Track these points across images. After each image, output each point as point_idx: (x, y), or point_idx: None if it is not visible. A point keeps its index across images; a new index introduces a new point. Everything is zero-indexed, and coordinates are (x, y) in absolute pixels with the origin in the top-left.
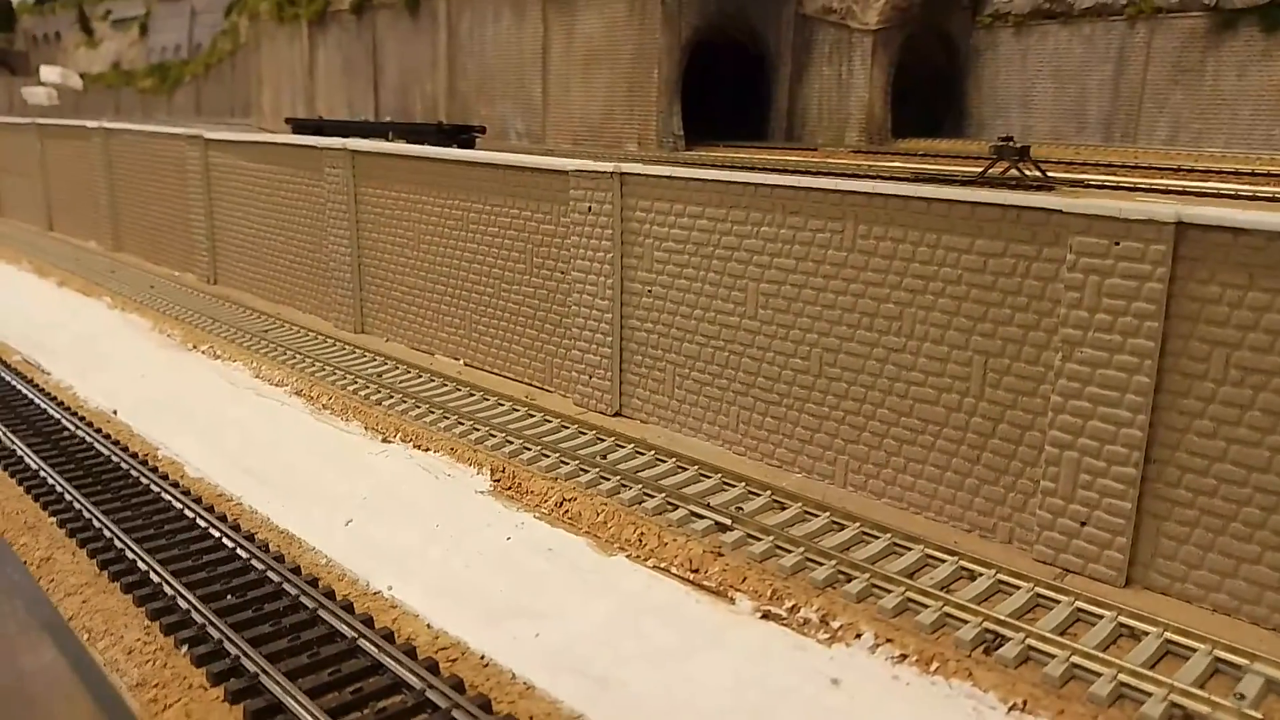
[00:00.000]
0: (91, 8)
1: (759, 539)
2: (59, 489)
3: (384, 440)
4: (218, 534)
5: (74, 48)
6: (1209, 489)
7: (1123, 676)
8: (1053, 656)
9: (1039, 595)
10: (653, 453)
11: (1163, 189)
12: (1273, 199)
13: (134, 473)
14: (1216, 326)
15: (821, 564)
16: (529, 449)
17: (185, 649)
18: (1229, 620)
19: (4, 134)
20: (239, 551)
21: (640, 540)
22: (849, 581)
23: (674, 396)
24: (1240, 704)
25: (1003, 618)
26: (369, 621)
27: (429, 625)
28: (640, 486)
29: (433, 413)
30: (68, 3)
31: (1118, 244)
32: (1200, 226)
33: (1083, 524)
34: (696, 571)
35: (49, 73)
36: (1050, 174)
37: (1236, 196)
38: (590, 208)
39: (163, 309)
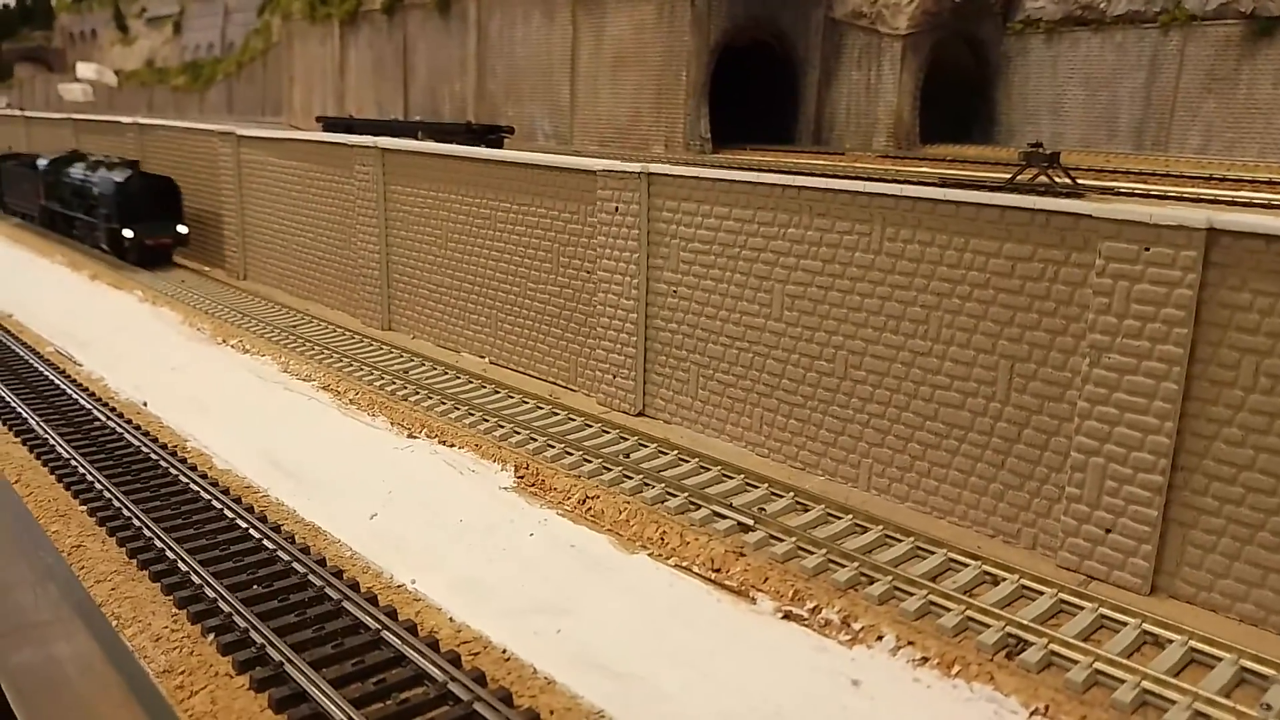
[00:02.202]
0: (127, 5)
1: (781, 540)
2: (90, 478)
3: (409, 436)
4: (244, 525)
5: (109, 45)
6: (1236, 498)
7: (1146, 684)
8: (1075, 662)
9: (1062, 601)
10: (675, 453)
11: (1194, 197)
12: None
13: (163, 463)
14: (1247, 334)
15: (844, 566)
16: (553, 446)
17: (212, 637)
18: (1256, 631)
19: (42, 128)
20: (265, 542)
21: (662, 539)
22: (871, 584)
23: (697, 397)
24: (1267, 714)
25: (1025, 622)
26: (393, 614)
27: (451, 619)
28: (663, 486)
29: (458, 409)
30: (105, 1)
31: (1148, 250)
32: (1232, 233)
33: (1108, 531)
34: (718, 571)
35: (85, 69)
36: (1080, 181)
37: (1269, 206)
38: (617, 208)
39: (193, 303)
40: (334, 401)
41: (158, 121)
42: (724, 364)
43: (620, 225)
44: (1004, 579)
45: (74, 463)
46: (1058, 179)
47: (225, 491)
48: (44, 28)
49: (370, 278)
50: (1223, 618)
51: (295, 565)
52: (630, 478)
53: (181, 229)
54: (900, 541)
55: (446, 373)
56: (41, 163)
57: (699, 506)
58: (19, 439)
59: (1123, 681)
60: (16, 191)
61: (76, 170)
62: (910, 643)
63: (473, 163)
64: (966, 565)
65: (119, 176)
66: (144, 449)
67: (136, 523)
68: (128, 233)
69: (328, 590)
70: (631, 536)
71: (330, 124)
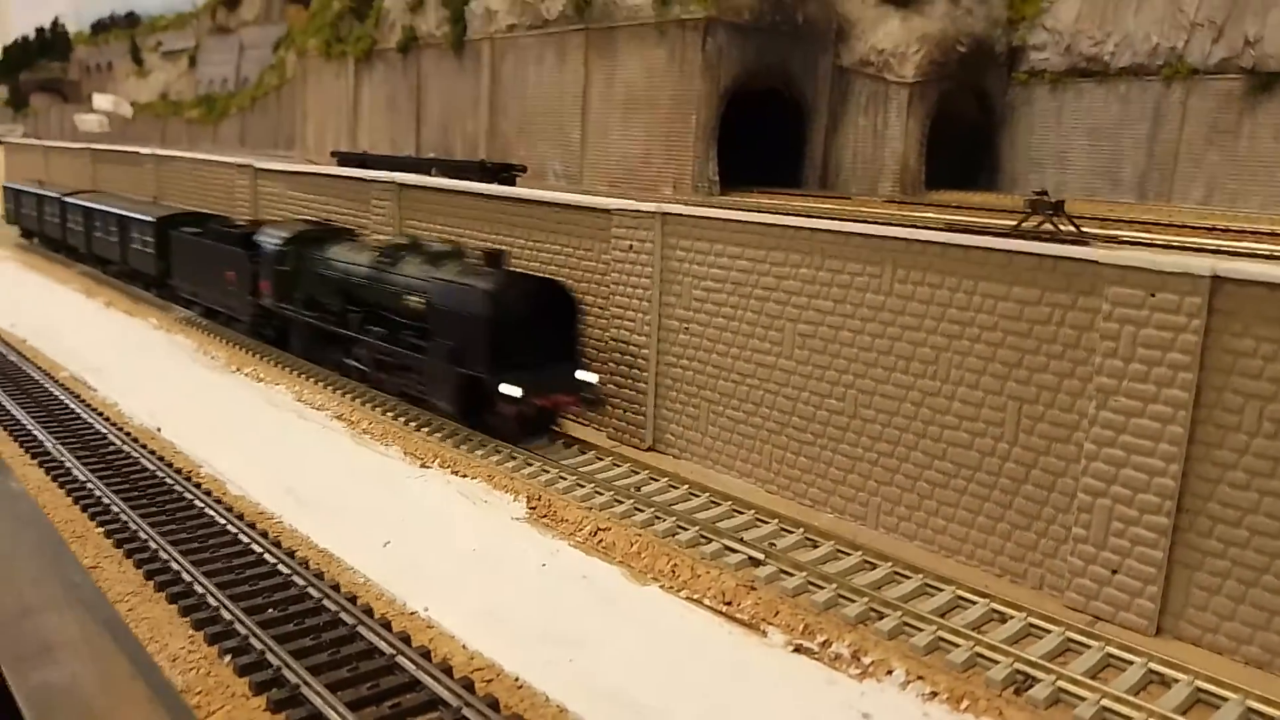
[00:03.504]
0: (143, 39)
1: (791, 574)
2: (105, 501)
3: (422, 465)
4: (259, 549)
5: (124, 77)
6: (1241, 540)
7: None
8: (1083, 699)
9: (1070, 639)
10: (686, 487)
11: (1197, 246)
12: None
13: (178, 488)
14: (1251, 379)
15: (854, 601)
16: (565, 478)
17: (229, 659)
18: (1262, 674)
19: (59, 157)
20: (280, 567)
21: (673, 571)
22: (881, 619)
23: (707, 433)
24: None
25: (1034, 659)
26: (406, 639)
27: (464, 646)
28: (674, 519)
29: (470, 440)
30: (121, 34)
31: (1153, 295)
32: (1236, 281)
33: (1114, 572)
34: (729, 604)
35: (101, 100)
36: (1084, 229)
37: (1272, 256)
38: (632, 245)
39: (207, 330)
40: (347, 430)
41: (175, 153)
42: (734, 401)
43: (634, 263)
44: (1012, 617)
45: (90, 486)
46: (1062, 226)
47: (240, 516)
48: (61, 59)
49: None
50: (1228, 660)
51: (310, 590)
52: (641, 510)
53: (588, 375)
54: (909, 578)
55: None
56: (270, 241)
57: (710, 540)
58: (36, 461)
59: (1130, 719)
60: (202, 276)
61: (365, 260)
62: (920, 677)
63: (488, 199)
64: (975, 602)
65: (482, 282)
66: (159, 473)
67: (153, 546)
68: (510, 389)
69: (343, 615)
70: (643, 569)
71: (345, 159)
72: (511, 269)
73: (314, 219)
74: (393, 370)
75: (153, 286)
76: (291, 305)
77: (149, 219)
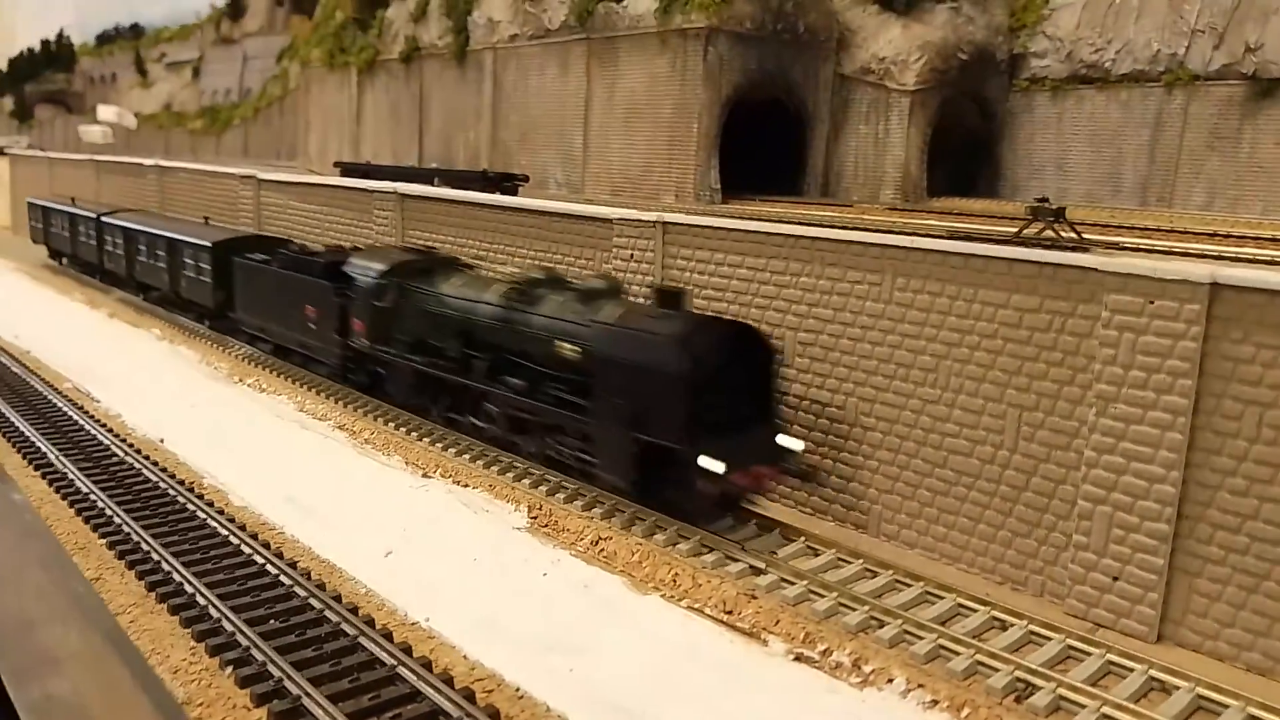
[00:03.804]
0: (147, 51)
1: (792, 583)
2: (108, 512)
3: (424, 475)
4: (261, 560)
5: (128, 88)
6: (1241, 547)
7: None
8: (1084, 706)
9: (1070, 647)
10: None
11: (1198, 253)
12: None
13: (180, 499)
14: (1250, 386)
15: (854, 609)
16: (565, 487)
17: (230, 670)
18: (1262, 680)
19: (64, 168)
20: (282, 578)
21: (674, 581)
22: (881, 627)
23: None
24: None
25: (1034, 667)
26: (408, 650)
27: (465, 656)
28: (675, 528)
29: (471, 449)
30: (125, 45)
31: (1153, 303)
32: (1235, 288)
33: (1115, 579)
34: (730, 613)
35: (105, 111)
36: (1085, 235)
37: (1272, 262)
38: (633, 255)
39: (210, 341)
40: (349, 441)
41: (179, 164)
42: None
43: (635, 272)
44: (1012, 624)
45: (92, 497)
46: (1063, 233)
47: (242, 527)
48: (66, 71)
49: None
50: (1229, 666)
51: (311, 601)
52: (642, 519)
53: (791, 441)
54: (910, 586)
55: None
56: (365, 272)
57: (711, 549)
58: (38, 473)
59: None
60: (272, 310)
61: (493, 297)
62: (920, 685)
63: (490, 209)
64: (975, 610)
65: (668, 327)
66: (161, 484)
67: (155, 556)
68: (710, 464)
69: (344, 626)
70: (644, 578)
71: (348, 169)
72: (694, 310)
73: (413, 245)
74: (535, 430)
75: (207, 319)
76: (392, 348)
77: (205, 243)
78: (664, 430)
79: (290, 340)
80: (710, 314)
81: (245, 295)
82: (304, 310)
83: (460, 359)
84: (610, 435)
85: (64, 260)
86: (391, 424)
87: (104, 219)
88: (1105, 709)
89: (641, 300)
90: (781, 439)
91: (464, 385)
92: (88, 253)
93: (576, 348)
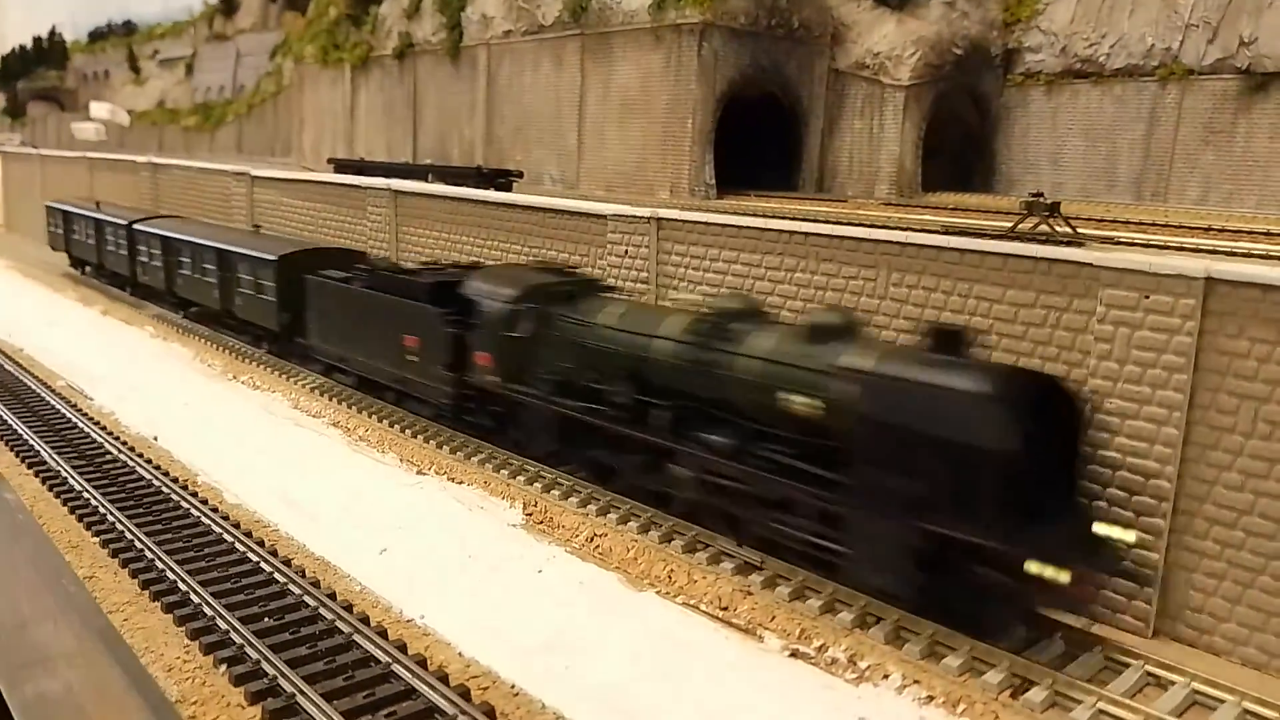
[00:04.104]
0: (140, 47)
1: (787, 579)
2: (101, 510)
3: (419, 472)
4: (255, 558)
5: (121, 85)
6: (1237, 542)
7: None
8: (1079, 702)
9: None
10: None
11: (1193, 247)
12: None
13: (174, 497)
14: (1245, 380)
15: (849, 605)
16: (560, 484)
17: (224, 668)
18: (1259, 675)
19: (56, 166)
20: (276, 576)
21: (670, 577)
22: (877, 623)
23: None
24: None
25: (1030, 663)
26: (402, 647)
27: (460, 653)
28: (670, 524)
29: (467, 446)
30: (118, 42)
31: (1148, 298)
32: (1229, 282)
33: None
34: (726, 609)
35: (98, 108)
36: (1080, 230)
37: (1267, 256)
38: (627, 251)
39: (204, 338)
40: (344, 438)
41: (172, 161)
42: None
43: (629, 269)
44: None
45: (86, 495)
46: (1058, 228)
47: (236, 525)
48: (58, 68)
49: None
50: (1225, 661)
51: (306, 599)
52: (637, 516)
53: (1113, 529)
54: None
55: None
56: (492, 296)
57: (707, 545)
58: (31, 471)
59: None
60: (357, 336)
61: (674, 331)
62: (916, 681)
63: (483, 205)
64: None
65: (966, 382)
66: (155, 482)
67: (149, 555)
68: (1046, 571)
69: (339, 624)
70: (640, 574)
71: (341, 165)
72: (993, 361)
73: (546, 263)
74: (748, 502)
75: (265, 341)
76: (531, 388)
77: (269, 256)
78: (968, 521)
79: (380, 373)
80: (1005, 363)
81: (320, 319)
82: (401, 339)
83: (631, 406)
84: (877, 522)
85: (86, 269)
86: (385, 421)
87: (137, 226)
88: (1101, 704)
89: (881, 339)
90: (1100, 527)
91: (635, 439)
92: (117, 263)
93: (815, 402)
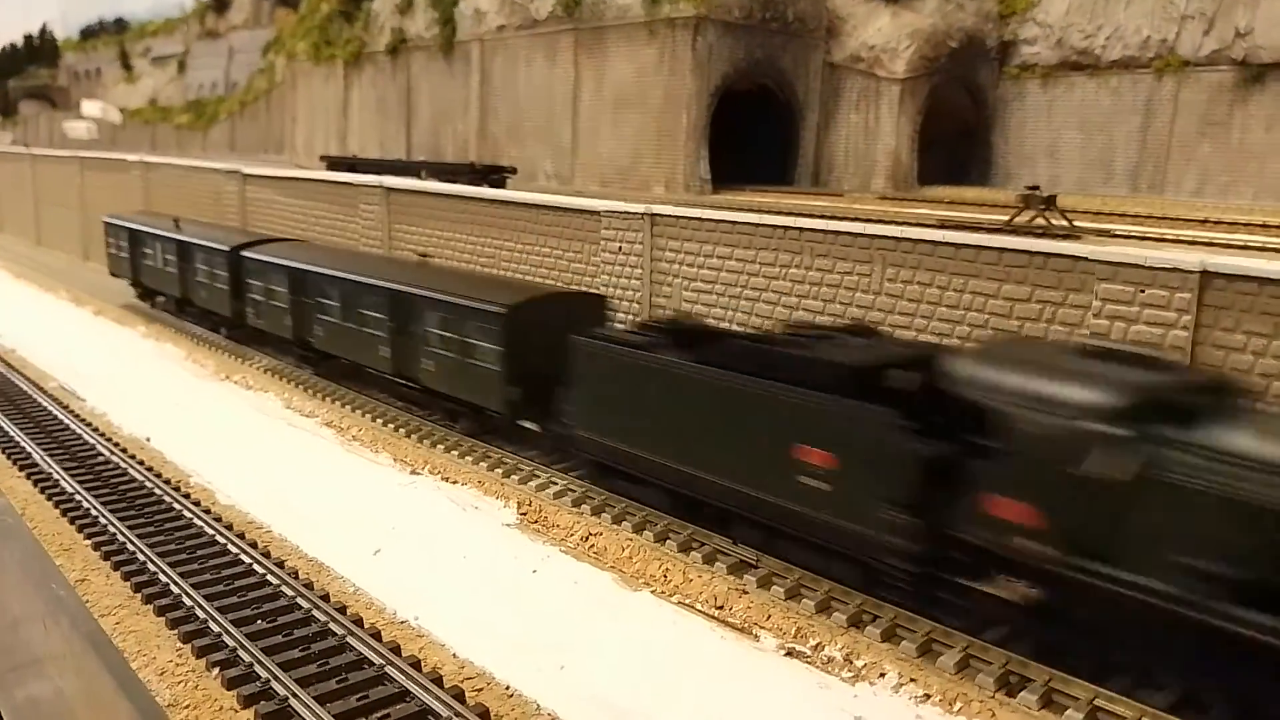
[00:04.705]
0: (132, 45)
1: (783, 578)
2: (94, 513)
3: (413, 472)
4: (248, 560)
5: (113, 83)
6: None
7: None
8: (1076, 699)
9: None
10: None
11: (1189, 240)
12: None
13: (167, 499)
14: (1241, 374)
15: (845, 604)
16: (554, 483)
17: (217, 671)
18: None
19: (46, 165)
20: (269, 578)
21: (665, 576)
22: (873, 622)
23: None
24: None
25: (1026, 661)
26: (396, 649)
27: (455, 655)
28: (665, 523)
29: (461, 445)
30: (110, 40)
31: (1143, 291)
32: (1225, 276)
33: None
34: (721, 608)
35: (90, 106)
36: (1076, 223)
37: (1264, 249)
38: (621, 247)
39: (196, 339)
40: (337, 438)
41: (163, 160)
42: None
43: (624, 265)
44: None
45: (78, 497)
46: (1054, 221)
47: (229, 527)
48: (50, 66)
49: None
50: None
51: (299, 601)
52: (632, 515)
53: None
54: None
55: None
56: (1036, 404)
57: (702, 544)
58: (23, 473)
59: (1122, 718)
60: (668, 435)
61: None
62: (912, 680)
63: (477, 202)
64: None
65: None
66: (148, 484)
67: (141, 557)
68: None
69: (332, 626)
70: (634, 574)
71: (334, 163)
72: None
73: (1116, 347)
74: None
75: (475, 414)
76: (1145, 575)
77: (493, 309)
78: None
79: (736, 498)
80: None
81: (601, 403)
82: (788, 451)
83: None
84: None
85: (157, 301)
86: (379, 420)
87: (245, 254)
88: (1098, 701)
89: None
90: None
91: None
92: (213, 300)
93: None
